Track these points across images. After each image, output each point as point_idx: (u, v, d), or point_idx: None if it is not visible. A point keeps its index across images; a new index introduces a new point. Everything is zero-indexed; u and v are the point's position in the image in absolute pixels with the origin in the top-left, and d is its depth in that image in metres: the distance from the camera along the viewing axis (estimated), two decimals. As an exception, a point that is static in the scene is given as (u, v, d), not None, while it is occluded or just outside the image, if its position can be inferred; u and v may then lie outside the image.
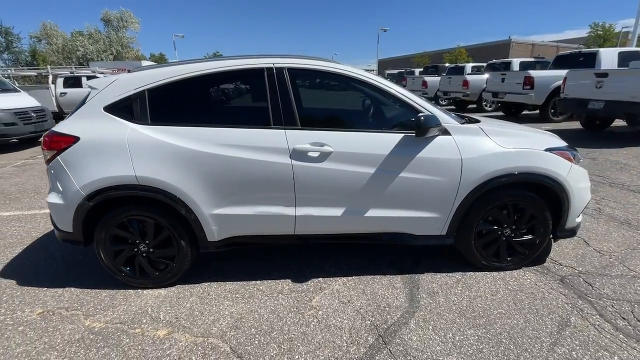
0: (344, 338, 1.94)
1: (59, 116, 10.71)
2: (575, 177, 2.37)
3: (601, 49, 8.59)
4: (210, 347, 1.89)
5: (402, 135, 2.24)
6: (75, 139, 2.18)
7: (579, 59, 8.86)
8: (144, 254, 2.36)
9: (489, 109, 12.28)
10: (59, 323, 2.10)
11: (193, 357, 1.83)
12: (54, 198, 2.25)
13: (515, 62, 11.60)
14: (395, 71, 23.01)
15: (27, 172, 5.88)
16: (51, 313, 2.20)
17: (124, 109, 2.22)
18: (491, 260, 2.51)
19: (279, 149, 2.17)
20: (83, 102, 2.30)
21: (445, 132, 2.27)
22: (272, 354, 1.84)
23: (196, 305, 2.24)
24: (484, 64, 13.35)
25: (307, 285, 2.44)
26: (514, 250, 2.52)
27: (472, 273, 2.51)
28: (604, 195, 4.01)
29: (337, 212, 2.30)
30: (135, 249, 2.34)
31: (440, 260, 2.68)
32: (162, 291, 2.40)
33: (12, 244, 3.17)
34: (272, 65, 2.25)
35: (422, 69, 18.46)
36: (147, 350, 1.88)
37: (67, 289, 2.45)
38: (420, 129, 2.13)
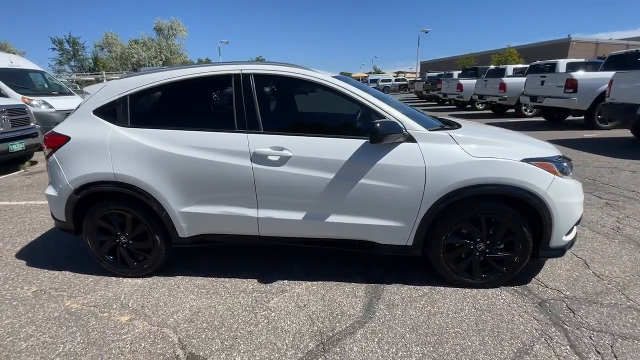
0: (286, 341, 1.95)
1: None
2: (559, 190, 2.15)
3: (663, 48, 7.55)
4: (161, 336, 2.02)
5: (364, 141, 2.20)
6: (67, 139, 2.45)
7: (637, 59, 7.83)
8: (124, 245, 2.57)
9: (529, 113, 11.36)
10: (45, 301, 2.37)
11: (143, 344, 1.96)
12: (51, 190, 2.55)
13: (562, 63, 10.54)
14: (435, 74, 22.11)
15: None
16: (43, 292, 2.49)
17: (109, 112, 2.45)
18: (463, 276, 2.36)
19: (240, 152, 2.25)
20: (79, 106, 2.57)
21: (410, 138, 2.19)
22: (213, 348, 1.92)
23: (163, 297, 2.39)
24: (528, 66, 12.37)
25: (271, 286, 2.49)
26: (490, 267, 2.34)
27: (442, 288, 2.38)
28: (630, 213, 3.55)
29: (298, 215, 2.32)
30: (117, 240, 2.56)
31: (413, 273, 2.57)
32: (140, 280, 2.60)
33: (35, 229, 3.60)
34: (239, 72, 2.34)
35: (460, 72, 17.55)
36: (107, 333, 2.05)
37: (62, 272, 2.75)
38: (374, 135, 2.08)
